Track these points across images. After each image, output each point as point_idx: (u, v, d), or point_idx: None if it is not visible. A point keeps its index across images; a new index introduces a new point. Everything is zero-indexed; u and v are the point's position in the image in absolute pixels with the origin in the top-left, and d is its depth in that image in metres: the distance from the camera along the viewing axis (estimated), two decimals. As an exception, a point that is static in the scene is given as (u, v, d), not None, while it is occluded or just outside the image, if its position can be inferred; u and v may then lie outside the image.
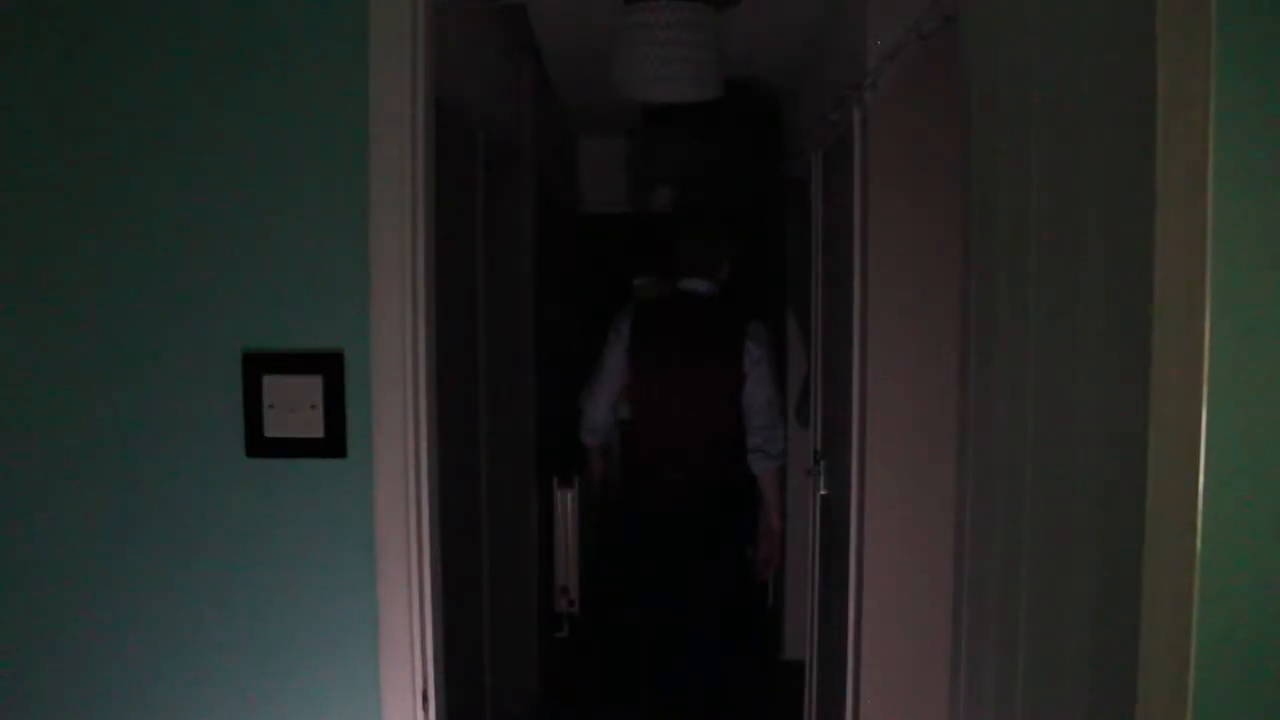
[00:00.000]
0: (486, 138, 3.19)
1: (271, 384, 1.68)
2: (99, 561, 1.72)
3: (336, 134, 1.66)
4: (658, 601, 3.95)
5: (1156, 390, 0.90)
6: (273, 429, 1.68)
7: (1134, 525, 0.93)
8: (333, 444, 1.68)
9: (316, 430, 1.68)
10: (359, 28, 1.64)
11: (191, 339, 1.69)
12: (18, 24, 1.67)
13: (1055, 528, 1.15)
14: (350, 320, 1.67)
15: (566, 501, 4.31)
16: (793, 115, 4.33)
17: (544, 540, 4.18)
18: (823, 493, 3.31)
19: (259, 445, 1.69)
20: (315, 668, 1.72)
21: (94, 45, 1.68)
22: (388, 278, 1.66)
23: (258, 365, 1.68)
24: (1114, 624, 0.99)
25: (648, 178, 5.47)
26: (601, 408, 3.86)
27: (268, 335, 1.69)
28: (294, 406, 1.68)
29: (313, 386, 1.68)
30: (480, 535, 3.25)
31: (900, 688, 2.68)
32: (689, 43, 2.91)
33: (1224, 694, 0.88)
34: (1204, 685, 0.87)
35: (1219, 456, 0.86)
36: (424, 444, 1.71)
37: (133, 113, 1.68)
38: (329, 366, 1.67)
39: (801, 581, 4.00)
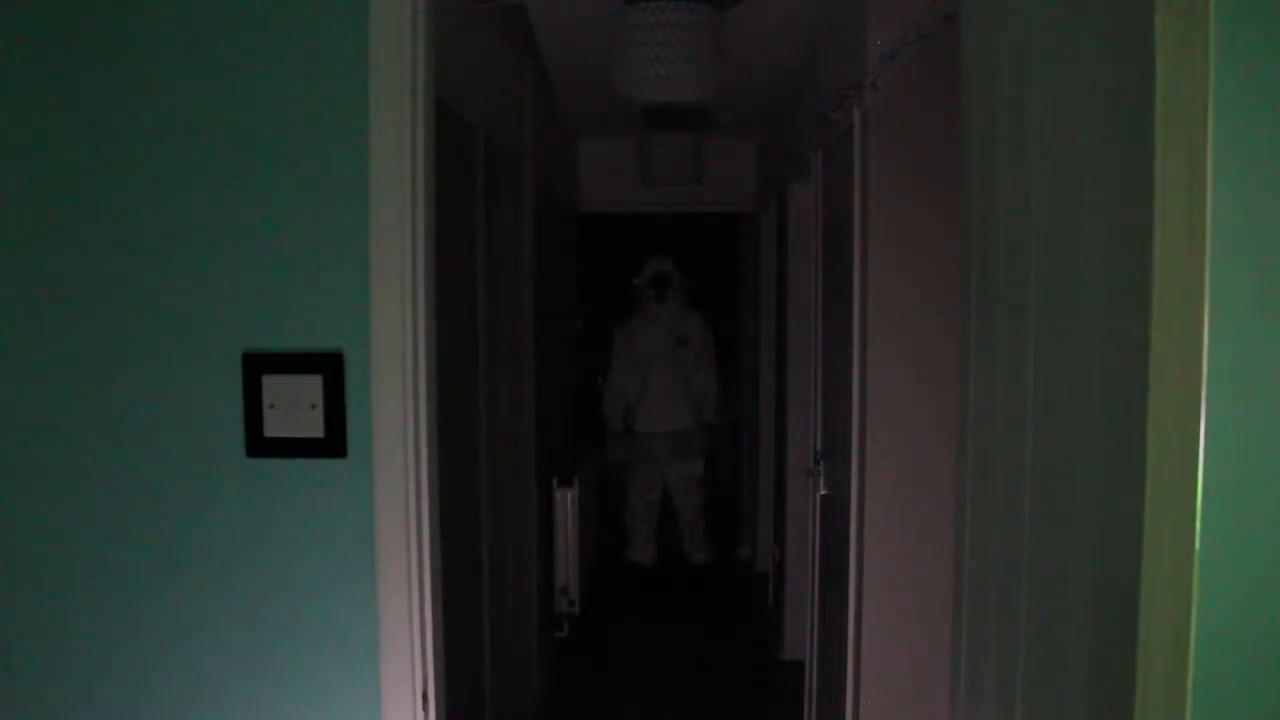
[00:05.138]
0: (486, 138, 3.19)
1: (271, 384, 1.68)
2: (99, 561, 1.72)
3: (336, 134, 1.66)
4: None
5: (1155, 389, 0.90)
6: (273, 429, 1.68)
7: (1133, 524, 0.93)
8: (333, 444, 1.68)
9: (316, 430, 1.68)
10: (359, 28, 1.64)
11: (191, 339, 1.69)
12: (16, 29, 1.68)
13: (1055, 527, 1.15)
14: (350, 320, 1.67)
15: (566, 501, 4.31)
16: (791, 116, 4.33)
17: (544, 540, 4.18)
18: (823, 493, 3.31)
19: (259, 445, 1.69)
20: (315, 667, 1.72)
21: (92, 42, 1.68)
22: (388, 278, 1.66)
23: (258, 365, 1.68)
24: (1113, 623, 0.99)
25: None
26: None
27: (268, 335, 1.69)
28: (294, 406, 1.68)
29: (313, 386, 1.68)
30: (480, 536, 3.25)
31: (900, 688, 2.68)
32: (689, 43, 2.91)
33: (1223, 693, 0.88)
34: (1203, 685, 0.87)
35: (1218, 456, 0.86)
36: (424, 444, 1.71)
37: (130, 112, 1.68)
38: (329, 366, 1.67)
39: (801, 581, 3.99)
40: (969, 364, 1.48)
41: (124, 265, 1.69)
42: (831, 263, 3.20)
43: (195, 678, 1.73)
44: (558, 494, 4.31)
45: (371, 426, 1.67)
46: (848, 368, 2.82)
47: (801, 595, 3.97)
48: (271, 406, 1.68)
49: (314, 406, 1.68)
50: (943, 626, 1.75)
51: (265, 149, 1.68)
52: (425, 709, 1.73)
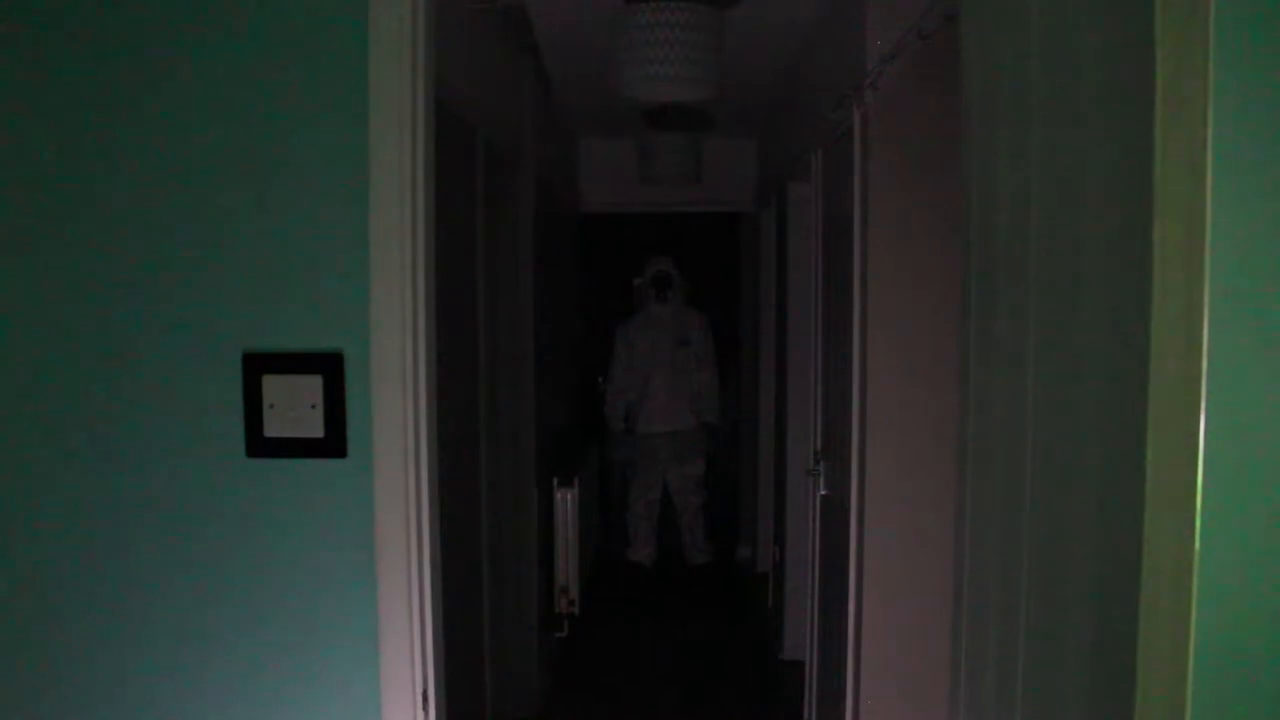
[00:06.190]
0: (486, 138, 3.19)
1: (271, 384, 1.68)
2: (99, 561, 1.72)
3: (336, 133, 1.66)
4: None
5: (1155, 389, 0.90)
6: (273, 429, 1.68)
7: (1133, 525, 0.93)
8: (333, 444, 1.68)
9: (316, 430, 1.68)
10: (359, 28, 1.64)
11: (191, 339, 1.69)
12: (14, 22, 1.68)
13: (1055, 528, 1.15)
14: (350, 320, 1.67)
15: (566, 501, 4.31)
16: (791, 116, 4.33)
17: (544, 540, 4.18)
18: (823, 493, 3.31)
19: (259, 445, 1.69)
20: (315, 667, 1.72)
21: (92, 42, 1.68)
22: (388, 278, 1.66)
23: (258, 365, 1.68)
24: (1113, 623, 0.99)
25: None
26: None
27: (268, 335, 1.69)
28: (294, 406, 1.68)
29: (313, 386, 1.68)
30: (480, 535, 3.25)
31: (900, 688, 2.68)
32: (689, 43, 2.91)
33: (1223, 693, 0.88)
34: (1203, 685, 0.87)
35: (1217, 456, 0.86)
36: (424, 444, 1.71)
37: (130, 113, 1.68)
38: (329, 366, 1.67)
39: (801, 581, 4.00)
40: (969, 363, 1.48)
41: (124, 266, 1.69)
42: (831, 262, 3.20)
43: (195, 678, 1.73)
44: (558, 494, 4.31)
45: (371, 426, 1.67)
46: (848, 367, 2.82)
47: (801, 595, 3.97)
48: (271, 406, 1.68)
49: (314, 406, 1.68)
50: (942, 626, 1.75)
51: (265, 149, 1.68)
52: (425, 709, 1.73)
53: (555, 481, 4.31)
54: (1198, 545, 0.86)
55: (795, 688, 3.95)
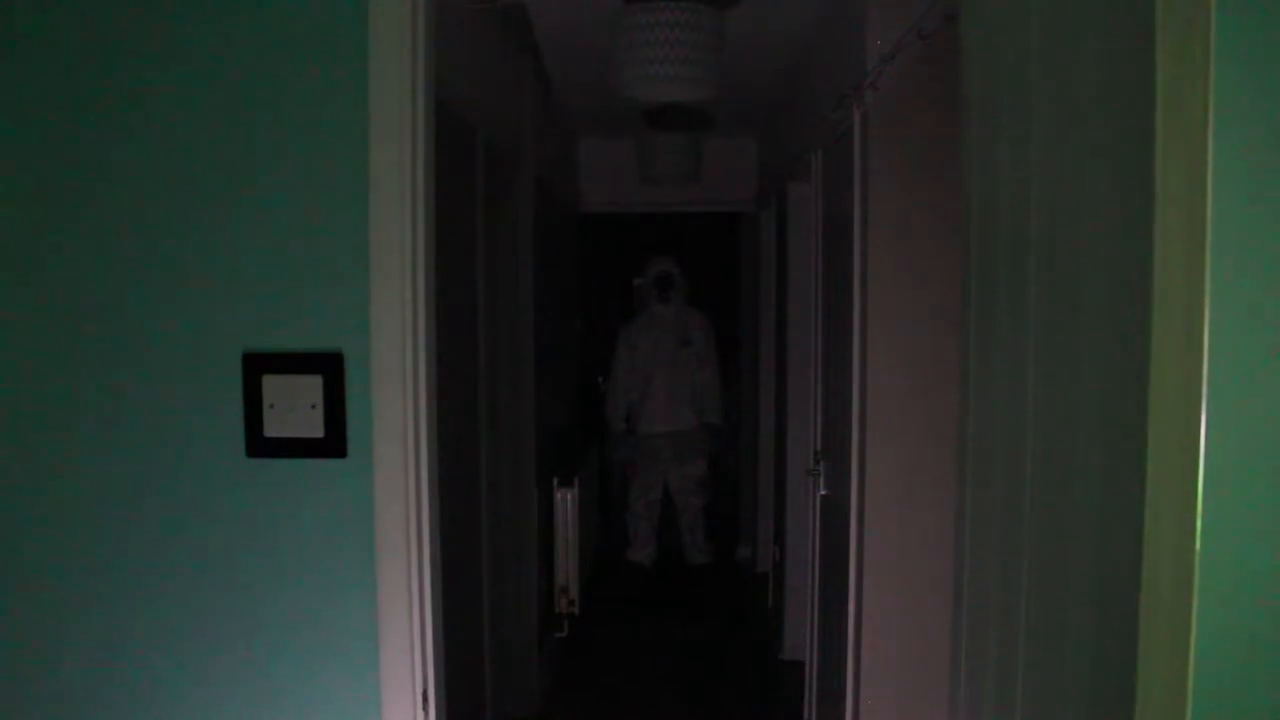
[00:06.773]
0: (486, 138, 3.19)
1: (271, 384, 1.68)
2: (100, 561, 1.72)
3: (336, 134, 1.66)
4: None
5: (1156, 389, 0.90)
6: (273, 429, 1.68)
7: (1134, 525, 0.93)
8: (333, 444, 1.68)
9: (316, 430, 1.68)
10: (359, 28, 1.64)
11: (191, 339, 1.70)
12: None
13: (1055, 527, 1.15)
14: (350, 320, 1.67)
15: (566, 501, 4.31)
16: (791, 116, 4.33)
17: (544, 540, 4.18)
18: (823, 493, 3.31)
19: (259, 445, 1.69)
20: (316, 667, 1.72)
21: (93, 44, 1.68)
22: (388, 278, 1.66)
23: (258, 365, 1.68)
24: (1113, 623, 0.99)
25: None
26: None
27: (268, 335, 1.69)
28: (294, 406, 1.68)
29: (313, 386, 1.68)
30: (480, 536, 3.25)
31: (900, 688, 2.68)
32: (689, 43, 2.91)
33: (1224, 693, 0.88)
34: (1203, 686, 0.87)
35: (1218, 455, 0.86)
36: (424, 444, 1.71)
37: (131, 113, 1.68)
38: (329, 366, 1.67)
39: (801, 581, 4.00)
40: (969, 363, 1.48)
41: (124, 266, 1.69)
42: (831, 262, 3.20)
43: (195, 678, 1.73)
44: (558, 494, 4.31)
45: (371, 426, 1.67)
46: (848, 367, 2.82)
47: (801, 595, 3.97)
48: (271, 406, 1.68)
49: (314, 406, 1.68)
50: (942, 626, 1.75)
51: (265, 149, 1.68)
52: (425, 709, 1.73)
53: (555, 481, 4.31)
54: (1198, 545, 0.86)
55: (795, 688, 3.95)
